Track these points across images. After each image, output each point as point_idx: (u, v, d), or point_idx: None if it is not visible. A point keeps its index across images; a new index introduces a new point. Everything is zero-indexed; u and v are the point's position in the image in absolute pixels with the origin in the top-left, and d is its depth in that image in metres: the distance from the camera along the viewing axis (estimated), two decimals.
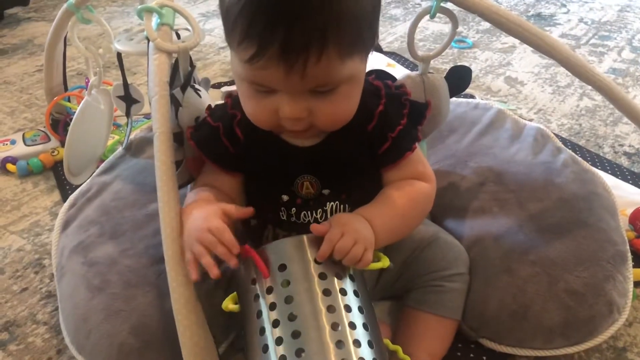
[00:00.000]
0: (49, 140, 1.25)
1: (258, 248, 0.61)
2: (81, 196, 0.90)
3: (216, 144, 0.70)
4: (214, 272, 0.58)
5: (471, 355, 0.77)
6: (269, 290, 0.59)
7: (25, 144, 1.24)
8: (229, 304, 0.62)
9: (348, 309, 0.58)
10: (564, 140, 1.27)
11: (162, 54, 0.69)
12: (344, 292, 0.59)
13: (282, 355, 0.55)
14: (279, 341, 0.56)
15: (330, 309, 0.57)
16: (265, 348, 0.57)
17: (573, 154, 0.97)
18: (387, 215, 0.67)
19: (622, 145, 1.27)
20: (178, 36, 0.81)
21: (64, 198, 1.10)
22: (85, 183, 0.94)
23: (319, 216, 0.71)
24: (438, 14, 0.81)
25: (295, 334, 0.56)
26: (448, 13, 0.81)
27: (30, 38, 1.91)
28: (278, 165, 0.69)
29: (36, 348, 0.81)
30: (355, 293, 0.60)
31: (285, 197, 0.70)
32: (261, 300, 0.59)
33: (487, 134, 1.03)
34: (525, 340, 0.74)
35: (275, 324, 0.57)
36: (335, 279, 0.59)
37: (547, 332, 0.73)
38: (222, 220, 0.61)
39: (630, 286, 0.78)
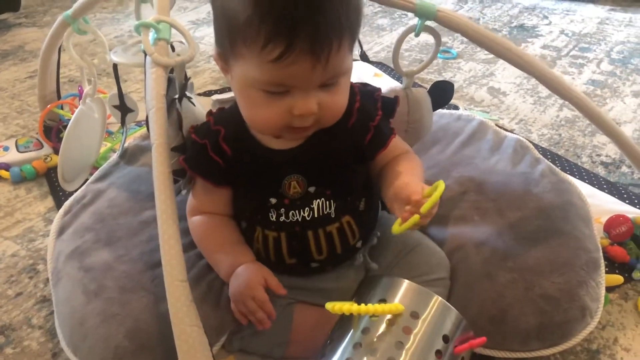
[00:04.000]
0: (42, 147, 1.27)
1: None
2: (76, 203, 0.92)
3: (206, 161, 0.74)
4: (267, 324, 0.73)
5: None
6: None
7: (18, 151, 1.26)
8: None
9: None
10: (544, 150, 1.32)
11: (159, 68, 0.72)
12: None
13: None
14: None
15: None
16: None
17: (551, 164, 1.01)
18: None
19: (599, 155, 1.32)
20: (172, 48, 0.84)
21: (57, 204, 1.12)
22: (80, 190, 0.96)
23: (306, 214, 0.74)
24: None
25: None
26: (432, 31, 0.85)
27: (21, 44, 1.93)
28: (266, 171, 0.74)
29: (32, 351, 0.83)
30: None
31: (273, 200, 0.74)
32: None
33: (469, 144, 1.07)
34: (503, 342, 0.77)
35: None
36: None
37: (523, 335, 0.76)
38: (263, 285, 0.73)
39: (602, 291, 0.82)
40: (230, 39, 0.64)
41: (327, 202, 0.75)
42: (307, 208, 0.74)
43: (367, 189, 0.80)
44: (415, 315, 0.63)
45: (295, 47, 0.59)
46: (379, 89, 0.78)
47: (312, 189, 0.74)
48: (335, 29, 0.60)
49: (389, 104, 0.78)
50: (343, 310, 0.62)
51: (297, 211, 0.74)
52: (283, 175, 0.73)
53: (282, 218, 0.75)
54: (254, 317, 0.73)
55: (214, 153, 0.73)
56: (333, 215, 0.76)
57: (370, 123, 0.75)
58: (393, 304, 0.63)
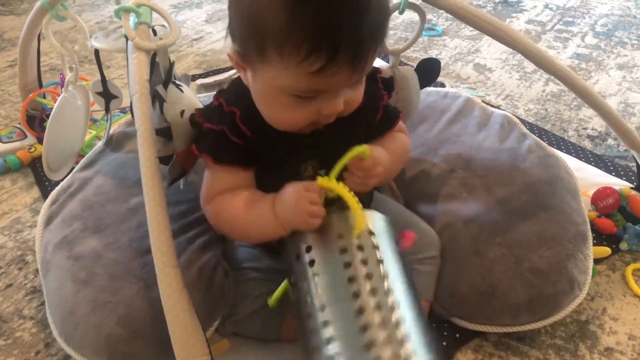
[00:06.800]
0: (25, 137, 1.25)
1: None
2: (63, 192, 0.91)
3: (228, 146, 0.70)
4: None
5: (445, 333, 0.81)
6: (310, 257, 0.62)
7: (1, 141, 1.24)
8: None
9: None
10: (530, 125, 1.32)
11: (141, 52, 0.71)
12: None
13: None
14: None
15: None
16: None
17: (538, 139, 1.02)
18: (387, 160, 0.74)
19: (585, 129, 1.33)
20: (154, 32, 0.83)
21: (44, 194, 1.11)
22: (66, 179, 0.95)
23: None
24: None
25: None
26: (416, 8, 0.85)
27: (0, 33, 1.89)
28: (285, 155, 0.72)
29: (24, 342, 0.82)
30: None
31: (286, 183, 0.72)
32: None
33: (456, 122, 1.07)
34: (494, 317, 0.78)
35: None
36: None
37: (514, 309, 0.77)
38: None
39: (590, 264, 0.83)
40: (258, 43, 0.60)
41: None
42: None
43: None
44: (371, 233, 0.63)
45: (337, 61, 0.58)
46: (378, 69, 0.78)
47: (322, 172, 0.72)
48: (375, 38, 0.60)
49: (388, 84, 0.79)
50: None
51: None
52: (302, 159, 0.72)
53: None
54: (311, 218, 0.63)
55: (235, 136, 0.69)
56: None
57: (379, 102, 0.76)
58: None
